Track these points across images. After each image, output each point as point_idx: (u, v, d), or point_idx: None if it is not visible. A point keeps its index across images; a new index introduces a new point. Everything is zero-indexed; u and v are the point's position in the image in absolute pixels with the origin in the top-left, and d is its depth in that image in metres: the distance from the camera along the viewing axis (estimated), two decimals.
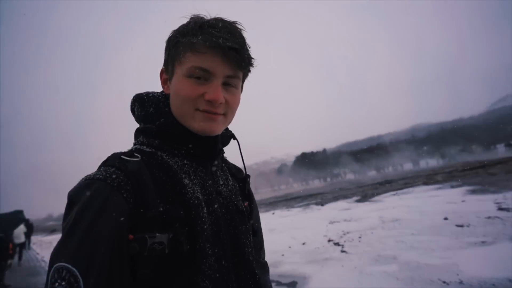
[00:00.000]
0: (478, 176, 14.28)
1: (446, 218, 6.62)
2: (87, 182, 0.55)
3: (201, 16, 0.66)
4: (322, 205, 14.93)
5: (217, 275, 0.60)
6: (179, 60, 0.64)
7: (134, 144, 0.69)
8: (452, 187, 12.18)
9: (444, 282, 3.49)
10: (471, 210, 7.05)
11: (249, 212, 0.78)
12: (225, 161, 0.83)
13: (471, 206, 7.59)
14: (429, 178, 18.66)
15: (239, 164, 0.87)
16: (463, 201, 8.55)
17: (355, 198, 15.27)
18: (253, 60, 0.68)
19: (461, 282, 3.39)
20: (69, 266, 0.47)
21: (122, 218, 0.52)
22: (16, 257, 10.51)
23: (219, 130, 0.68)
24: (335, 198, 17.11)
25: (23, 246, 11.79)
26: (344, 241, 6.38)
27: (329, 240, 6.75)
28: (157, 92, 0.74)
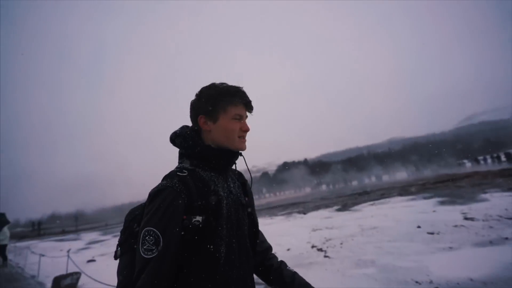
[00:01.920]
0: (448, 189, 15.35)
1: (419, 227, 7.20)
2: (163, 187, 0.98)
3: (221, 83, 1.15)
4: (304, 213, 15.35)
5: (227, 239, 1.03)
6: (224, 110, 1.11)
7: (180, 163, 1.13)
8: (425, 198, 13.05)
9: (416, 282, 3.92)
10: (440, 219, 7.71)
11: (247, 204, 1.22)
12: (232, 170, 1.27)
13: (441, 215, 8.28)
14: (403, 190, 19.69)
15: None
16: (434, 211, 9.26)
17: (336, 207, 15.84)
18: None
19: (431, 282, 3.83)
20: (155, 229, 0.91)
21: (181, 208, 0.96)
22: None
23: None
24: (317, 207, 17.62)
25: (4, 248, 11.83)
26: (327, 247, 6.76)
27: (313, 246, 7.10)
28: (189, 130, 1.15)
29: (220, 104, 1.11)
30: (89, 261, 10.11)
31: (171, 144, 1.19)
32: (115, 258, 1.07)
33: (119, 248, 1.07)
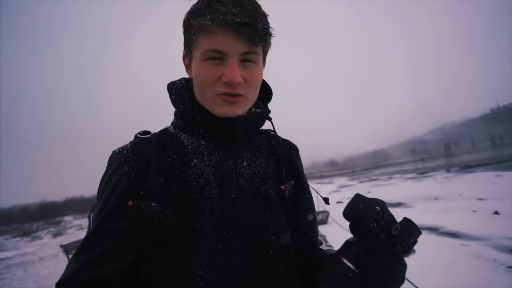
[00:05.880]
0: None
1: None
2: (112, 153, 0.69)
3: None
4: None
5: (219, 256, 0.62)
6: (194, 45, 0.65)
7: (172, 124, 0.76)
8: None
9: None
10: None
11: (286, 196, 0.75)
12: (275, 137, 0.82)
13: None
14: None
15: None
16: None
17: None
18: (270, 29, 0.64)
19: None
20: (97, 201, 0.66)
21: (121, 187, 0.63)
22: None
23: (240, 112, 0.67)
24: None
25: None
26: None
27: None
28: (184, 79, 0.76)
29: (191, 34, 0.65)
30: (338, 202, 11.54)
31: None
32: None
33: None
